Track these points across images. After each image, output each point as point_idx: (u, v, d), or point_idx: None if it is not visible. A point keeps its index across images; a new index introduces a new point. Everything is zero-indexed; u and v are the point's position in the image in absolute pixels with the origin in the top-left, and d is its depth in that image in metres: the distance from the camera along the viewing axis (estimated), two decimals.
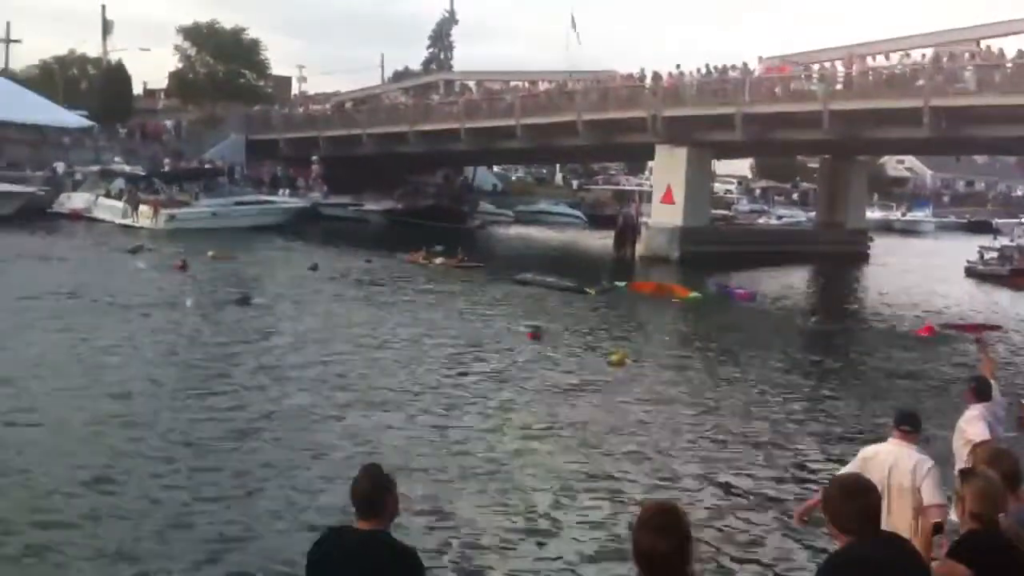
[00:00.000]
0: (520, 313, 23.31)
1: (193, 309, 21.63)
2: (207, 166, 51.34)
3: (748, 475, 11.45)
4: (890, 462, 6.44)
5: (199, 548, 8.59)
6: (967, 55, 34.25)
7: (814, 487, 10.35)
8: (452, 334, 19.95)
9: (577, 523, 9.64)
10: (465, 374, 16.22)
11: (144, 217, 40.89)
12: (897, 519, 6.12)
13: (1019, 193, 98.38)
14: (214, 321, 20.28)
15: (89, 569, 8.15)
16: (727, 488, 10.92)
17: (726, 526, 9.77)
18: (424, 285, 27.81)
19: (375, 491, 4.31)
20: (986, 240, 44.09)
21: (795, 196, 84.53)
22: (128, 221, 41.03)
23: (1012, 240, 42.42)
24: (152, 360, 16.17)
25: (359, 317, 21.71)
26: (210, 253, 30.96)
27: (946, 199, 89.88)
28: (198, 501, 9.65)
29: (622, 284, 29.79)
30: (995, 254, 40.46)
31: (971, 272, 39.64)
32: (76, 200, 43.74)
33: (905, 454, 6.45)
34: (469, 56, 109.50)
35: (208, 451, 11.29)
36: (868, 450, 6.90)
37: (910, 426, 6.66)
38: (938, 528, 4.91)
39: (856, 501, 4.06)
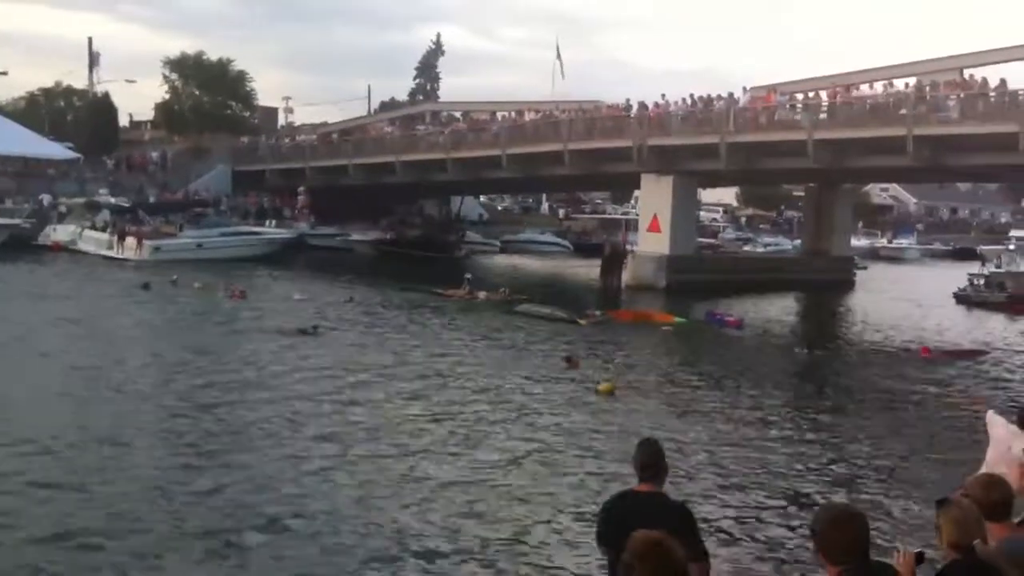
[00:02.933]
0: (515, 344, 23.38)
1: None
2: (195, 197, 51.37)
3: (740, 505, 11.36)
4: None
5: None
6: (950, 84, 34.47)
7: (806, 517, 10.29)
8: (449, 361, 20.20)
9: (563, 556, 9.53)
10: (449, 404, 16.22)
11: (129, 249, 40.79)
12: None
13: (1003, 220, 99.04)
14: (296, 350, 20.75)
15: None
16: (717, 519, 10.83)
17: (717, 558, 9.68)
18: (438, 318, 27.83)
19: (655, 460, 5.29)
20: (974, 267, 44.32)
21: (781, 224, 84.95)
22: (113, 253, 40.92)
23: (1000, 266, 42.57)
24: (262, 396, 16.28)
25: (379, 350, 21.76)
26: (196, 284, 30.85)
27: (920, 227, 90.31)
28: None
29: (599, 313, 29.70)
30: (983, 281, 40.73)
31: (961, 299, 39.84)
32: (61, 232, 43.61)
33: None
34: (455, 87, 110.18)
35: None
36: None
37: None
38: (920, 558, 4.90)
39: (845, 530, 4.00)
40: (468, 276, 33.58)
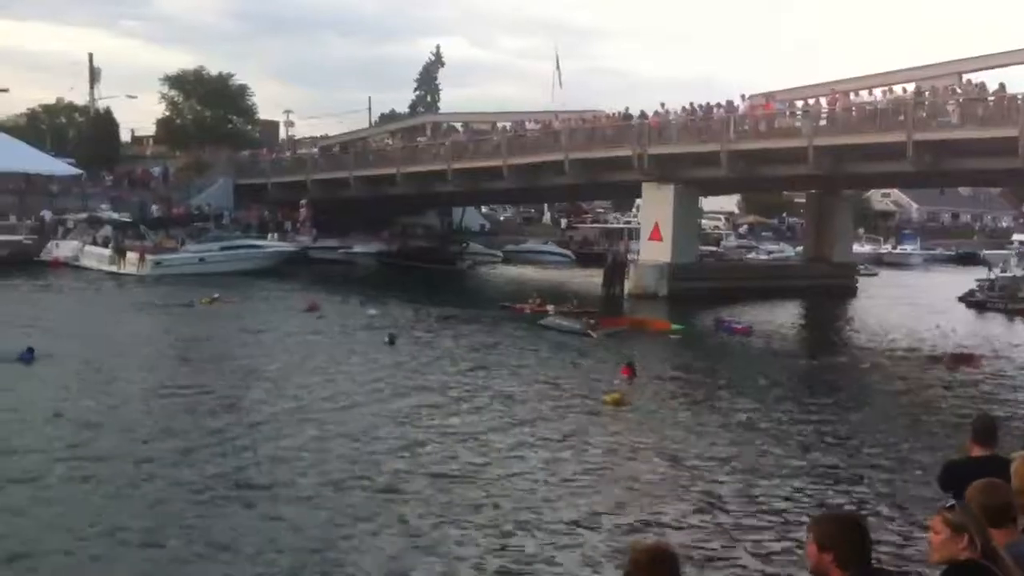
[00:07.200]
0: (532, 354, 24.08)
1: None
2: (195, 211, 51.46)
3: (752, 515, 11.35)
4: None
5: None
6: (949, 89, 34.50)
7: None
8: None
9: (571, 563, 9.53)
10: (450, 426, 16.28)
11: (130, 264, 40.84)
12: None
13: (1005, 224, 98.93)
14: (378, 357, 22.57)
15: None
16: (727, 524, 10.82)
17: (722, 567, 9.66)
18: (480, 332, 28.26)
19: (992, 427, 6.21)
20: (976, 272, 44.36)
21: (783, 231, 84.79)
22: (115, 268, 40.95)
23: (1005, 271, 42.63)
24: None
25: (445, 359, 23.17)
26: (203, 300, 30.96)
27: (908, 231, 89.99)
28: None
29: (592, 321, 29.58)
30: (988, 284, 40.85)
31: (972, 304, 39.90)
32: (64, 248, 43.66)
33: None
34: (455, 98, 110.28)
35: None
36: None
37: None
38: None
39: (849, 536, 3.99)
40: (537, 291, 34.63)
